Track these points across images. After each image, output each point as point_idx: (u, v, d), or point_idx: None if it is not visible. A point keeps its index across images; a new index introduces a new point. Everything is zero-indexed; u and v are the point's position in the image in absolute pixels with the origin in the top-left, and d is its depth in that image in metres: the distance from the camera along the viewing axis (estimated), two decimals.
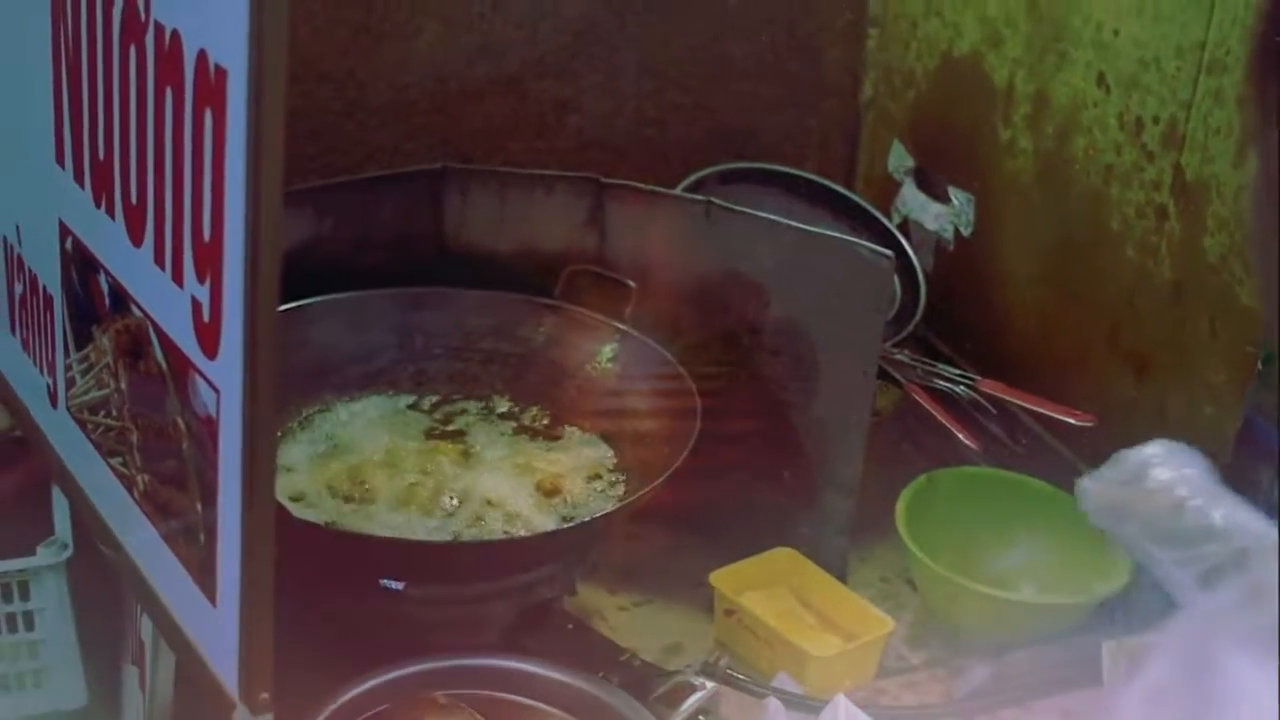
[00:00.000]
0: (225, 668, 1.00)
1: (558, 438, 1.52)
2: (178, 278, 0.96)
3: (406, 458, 1.45)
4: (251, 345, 0.89)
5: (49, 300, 1.21)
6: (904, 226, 1.87)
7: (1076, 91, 1.58)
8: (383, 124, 1.73)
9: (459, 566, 1.33)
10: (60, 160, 1.12)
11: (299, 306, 1.48)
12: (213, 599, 1.00)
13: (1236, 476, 1.37)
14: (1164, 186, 1.48)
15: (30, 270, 1.24)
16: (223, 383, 0.93)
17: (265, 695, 0.97)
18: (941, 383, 1.67)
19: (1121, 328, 1.56)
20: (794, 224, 1.49)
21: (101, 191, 1.06)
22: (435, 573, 1.32)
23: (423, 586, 1.30)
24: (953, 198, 1.79)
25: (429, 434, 1.51)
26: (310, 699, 1.16)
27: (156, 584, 1.10)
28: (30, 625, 1.55)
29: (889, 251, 1.42)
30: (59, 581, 1.53)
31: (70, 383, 1.20)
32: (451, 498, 1.40)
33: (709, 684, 1.28)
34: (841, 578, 1.48)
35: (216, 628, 0.99)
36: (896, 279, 1.77)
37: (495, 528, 1.38)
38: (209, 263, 0.92)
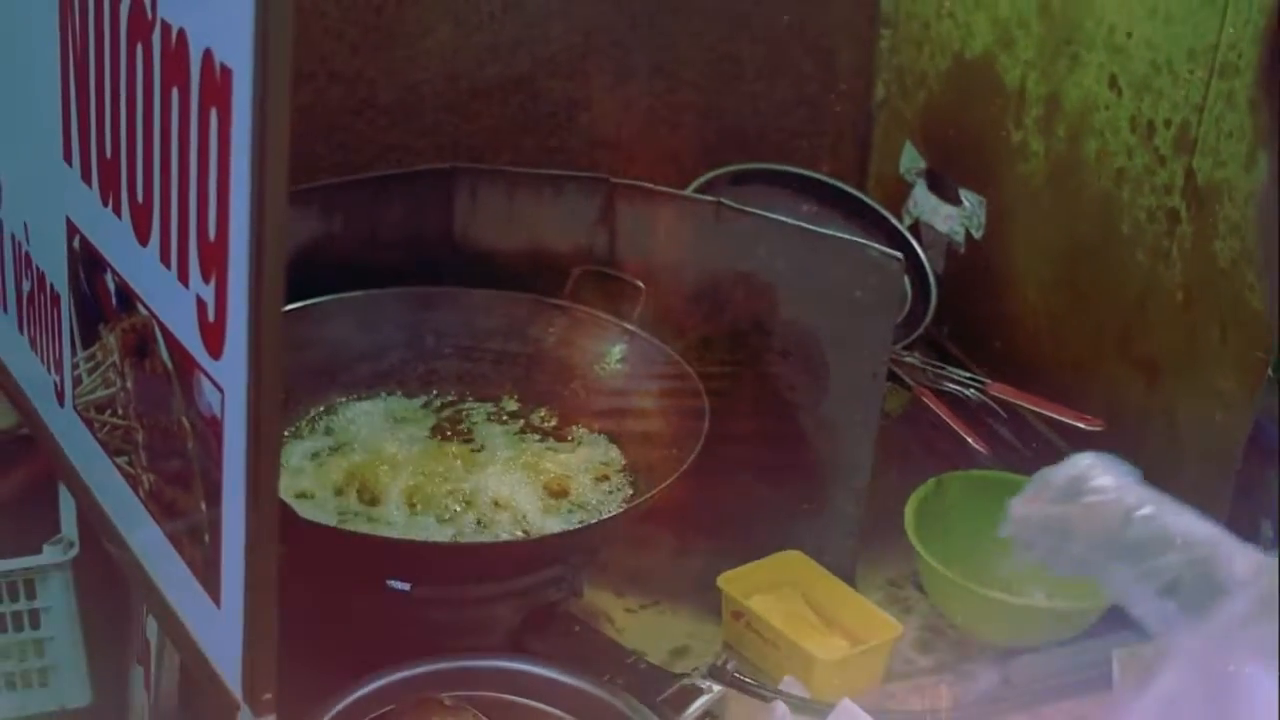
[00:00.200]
0: (229, 668, 0.99)
1: (565, 438, 1.51)
2: (183, 277, 0.96)
3: (414, 457, 1.45)
4: (256, 345, 0.88)
5: (56, 298, 1.21)
6: (915, 228, 1.86)
7: (1088, 94, 1.57)
8: (393, 123, 1.73)
9: (466, 567, 1.33)
10: (68, 158, 1.12)
11: (308, 305, 1.48)
12: (217, 599, 1.00)
13: (1246, 482, 1.37)
14: (1175, 190, 1.47)
15: (38, 268, 1.24)
16: (227, 383, 0.93)
17: (269, 696, 0.97)
18: (951, 385, 1.67)
19: (1132, 332, 1.55)
20: (804, 225, 1.48)
21: (109, 190, 1.06)
22: (442, 574, 1.32)
23: (429, 587, 1.30)
24: (964, 200, 1.79)
25: (436, 433, 1.51)
26: (315, 700, 1.16)
27: (161, 583, 1.10)
28: (35, 624, 1.55)
29: (899, 253, 1.41)
30: (64, 580, 1.53)
31: (77, 381, 1.20)
32: (459, 498, 1.40)
33: (716, 687, 1.28)
34: (850, 581, 1.47)
35: (220, 627, 0.99)
36: (907, 281, 1.77)
37: (502, 529, 1.38)
38: (214, 262, 0.92)
